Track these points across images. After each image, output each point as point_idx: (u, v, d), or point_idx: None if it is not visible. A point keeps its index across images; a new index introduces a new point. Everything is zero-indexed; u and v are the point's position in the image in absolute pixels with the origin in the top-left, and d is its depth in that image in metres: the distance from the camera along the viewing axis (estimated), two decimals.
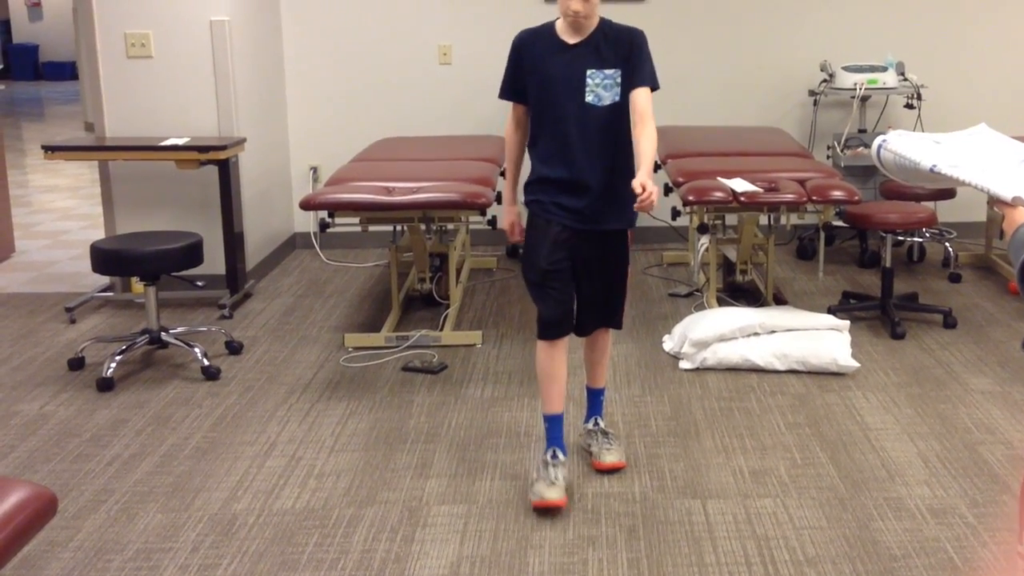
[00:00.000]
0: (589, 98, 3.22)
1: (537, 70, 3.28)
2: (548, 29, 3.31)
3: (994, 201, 1.78)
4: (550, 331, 3.30)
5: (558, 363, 3.32)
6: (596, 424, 3.58)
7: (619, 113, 3.25)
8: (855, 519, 3.15)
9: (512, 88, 3.36)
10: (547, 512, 3.19)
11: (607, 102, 3.22)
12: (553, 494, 3.18)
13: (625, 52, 3.23)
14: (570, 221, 3.27)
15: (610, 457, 3.47)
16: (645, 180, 3.02)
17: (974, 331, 4.82)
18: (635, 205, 3.01)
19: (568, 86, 3.22)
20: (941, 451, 3.60)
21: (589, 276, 3.35)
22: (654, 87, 3.26)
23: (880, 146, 1.94)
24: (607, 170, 3.26)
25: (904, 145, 1.89)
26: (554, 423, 3.35)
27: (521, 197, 3.39)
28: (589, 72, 3.22)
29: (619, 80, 3.22)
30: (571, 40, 3.25)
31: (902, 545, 3.01)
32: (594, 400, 3.61)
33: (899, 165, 1.90)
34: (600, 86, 3.22)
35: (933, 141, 1.92)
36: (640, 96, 3.23)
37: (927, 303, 5.13)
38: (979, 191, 1.78)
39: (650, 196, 2.97)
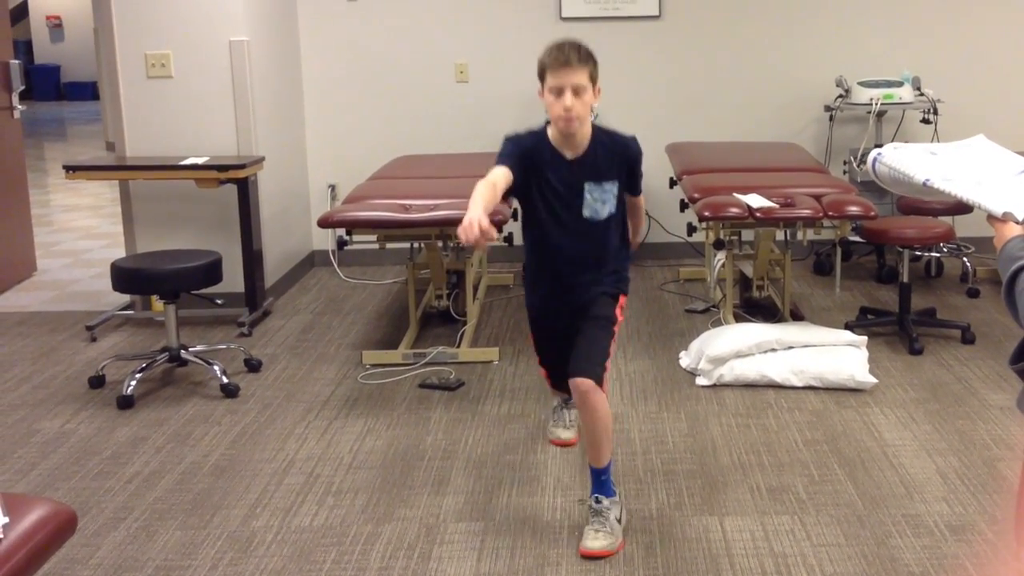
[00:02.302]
0: (586, 213, 3.14)
1: (535, 177, 3.14)
2: (541, 137, 3.15)
3: (987, 217, 1.78)
4: (551, 376, 3.62)
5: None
6: (596, 501, 3.13)
7: (615, 222, 3.21)
8: (873, 536, 3.14)
9: (509, 160, 3.07)
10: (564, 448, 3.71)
11: (604, 216, 3.16)
12: (567, 434, 3.75)
13: (623, 164, 3.19)
14: (570, 301, 3.26)
15: (594, 544, 3.06)
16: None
17: (992, 346, 4.80)
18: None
19: (565, 202, 3.14)
20: (960, 467, 3.59)
21: (576, 333, 3.26)
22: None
23: (875, 160, 1.95)
24: (604, 263, 3.24)
25: (898, 158, 1.89)
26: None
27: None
28: (587, 185, 3.13)
29: (616, 193, 3.17)
30: (569, 154, 3.13)
31: (920, 562, 2.99)
32: (594, 479, 3.16)
33: (894, 179, 1.90)
34: (598, 200, 3.15)
35: (929, 152, 1.92)
36: (635, 204, 3.34)
37: (945, 318, 5.11)
38: (972, 206, 1.78)
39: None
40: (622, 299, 3.29)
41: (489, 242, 2.82)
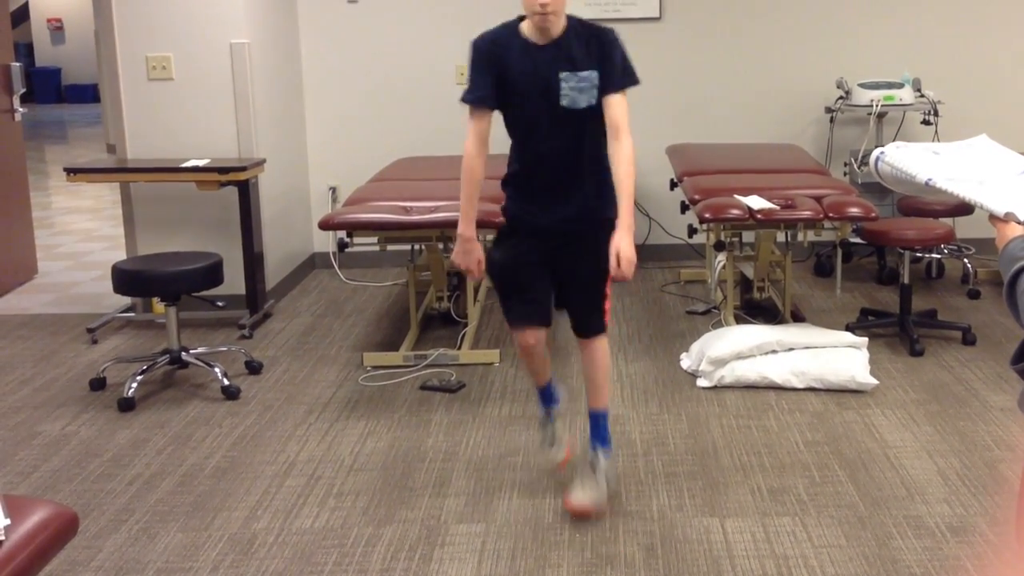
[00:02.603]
0: (564, 102, 3.07)
1: (506, 74, 3.10)
2: (512, 30, 3.13)
3: (988, 217, 1.77)
4: (515, 316, 3.24)
5: (536, 359, 3.32)
6: (593, 452, 3.36)
7: (597, 115, 3.11)
8: (874, 537, 3.14)
9: (480, 93, 3.13)
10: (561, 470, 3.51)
11: (583, 105, 3.07)
12: (557, 454, 3.49)
13: (598, 52, 3.08)
14: (547, 216, 3.18)
15: (579, 498, 3.24)
16: (621, 245, 2.99)
17: (993, 348, 4.80)
18: (612, 275, 3.02)
19: (540, 90, 3.08)
20: (961, 469, 3.59)
21: (564, 272, 3.24)
22: (633, 83, 3.13)
23: (878, 159, 1.94)
24: (585, 174, 3.16)
25: (901, 158, 1.89)
26: (543, 391, 3.48)
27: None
28: (562, 75, 3.06)
29: (595, 82, 3.07)
30: (540, 41, 3.09)
31: (922, 564, 2.99)
32: (593, 425, 3.38)
33: (896, 178, 1.90)
34: (575, 89, 3.06)
35: (932, 152, 1.92)
36: (615, 105, 3.09)
37: (946, 320, 5.11)
38: (974, 206, 1.78)
39: (626, 269, 2.97)
40: (612, 221, 3.18)
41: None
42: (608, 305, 3.29)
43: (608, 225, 3.12)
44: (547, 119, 3.11)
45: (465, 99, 3.17)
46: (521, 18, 3.14)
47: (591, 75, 3.07)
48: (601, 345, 3.31)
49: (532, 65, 3.09)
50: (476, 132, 3.17)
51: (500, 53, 3.11)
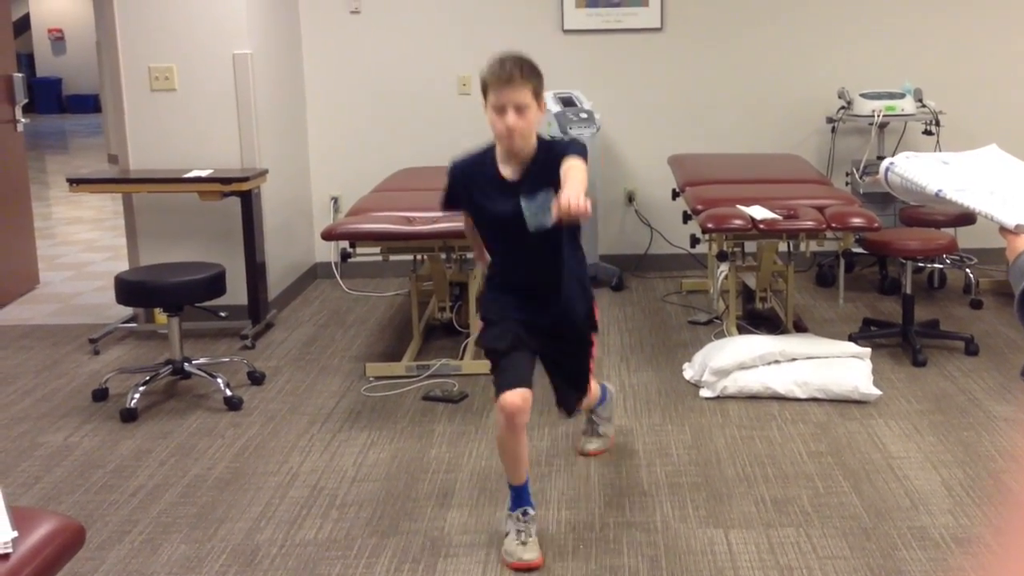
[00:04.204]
0: (532, 228, 3.02)
1: (476, 204, 3.14)
2: (487, 159, 3.10)
3: (999, 229, 1.77)
4: (507, 382, 3.06)
5: (515, 439, 3.08)
6: (591, 412, 3.78)
7: (567, 226, 3.06)
8: (879, 548, 3.14)
9: (453, 202, 3.24)
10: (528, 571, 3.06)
11: (550, 223, 2.95)
12: (531, 555, 3.05)
13: (552, 164, 2.95)
14: (529, 318, 3.16)
15: (589, 447, 3.80)
16: (566, 191, 2.79)
17: (996, 358, 4.80)
18: (559, 211, 2.75)
19: (508, 221, 3.06)
20: (965, 479, 3.58)
21: (550, 362, 3.29)
22: (583, 153, 2.99)
23: (887, 169, 1.95)
24: (563, 281, 3.14)
25: (911, 168, 1.89)
26: (518, 491, 3.15)
27: None
28: (523, 203, 3.01)
29: (551, 196, 2.88)
30: (511, 175, 3.05)
31: (926, 575, 2.99)
32: (590, 412, 3.81)
33: (906, 188, 1.90)
34: (535, 214, 3.00)
35: (941, 161, 1.92)
36: (568, 164, 2.93)
37: (948, 330, 5.11)
38: (984, 217, 1.78)
39: (571, 201, 2.70)
40: (595, 321, 3.30)
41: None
42: (592, 372, 3.41)
43: (586, 324, 3.27)
44: (520, 243, 3.08)
45: (440, 204, 3.28)
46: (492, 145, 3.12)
47: (547, 193, 2.94)
48: (590, 398, 3.56)
49: (498, 200, 3.07)
50: (466, 220, 3.34)
51: (470, 185, 3.14)
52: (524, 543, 3.07)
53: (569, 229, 3.11)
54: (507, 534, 3.13)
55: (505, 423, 3.05)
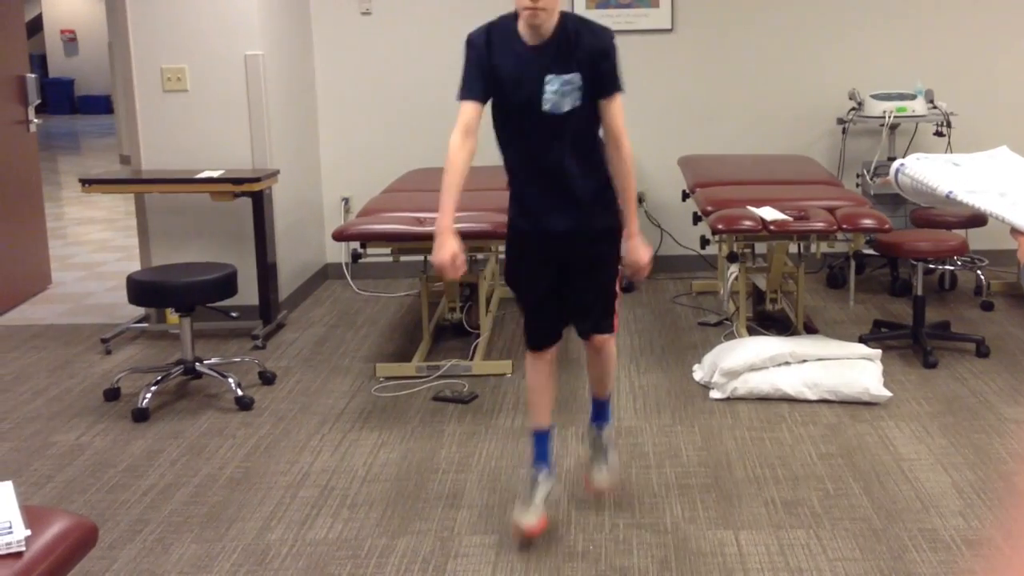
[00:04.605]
0: (545, 107, 2.98)
1: (495, 72, 3.01)
2: (509, 25, 3.03)
3: (1010, 230, 1.77)
4: (533, 342, 3.26)
5: (543, 375, 3.25)
6: (598, 430, 3.43)
7: (581, 118, 3.01)
8: (889, 551, 3.13)
9: (472, 86, 3.03)
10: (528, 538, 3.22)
11: (565, 109, 2.97)
12: (528, 518, 3.17)
13: (589, 53, 2.97)
14: (550, 227, 3.12)
15: (598, 479, 3.41)
16: (639, 254, 3.12)
17: (1007, 360, 4.78)
18: (629, 276, 3.07)
19: (525, 94, 2.99)
20: (975, 481, 3.58)
21: (573, 279, 3.19)
22: (621, 89, 3.04)
23: (898, 170, 1.95)
24: (580, 176, 3.07)
25: (921, 169, 1.89)
26: (539, 439, 3.28)
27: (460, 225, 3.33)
28: (547, 78, 2.96)
29: (580, 84, 2.96)
30: (531, 41, 2.99)
31: None
32: (598, 408, 3.45)
33: (916, 190, 1.90)
34: (557, 93, 2.96)
35: (952, 163, 1.92)
36: (612, 113, 3.02)
37: (959, 332, 5.10)
38: (995, 219, 1.78)
39: (642, 268, 3.05)
40: (620, 225, 3.17)
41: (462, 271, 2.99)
42: (619, 305, 3.29)
43: (610, 235, 3.15)
44: (531, 124, 3.02)
45: (458, 96, 3.06)
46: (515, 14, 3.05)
47: (574, 77, 2.96)
48: (610, 346, 3.33)
49: (520, 68, 2.99)
50: (462, 124, 3.02)
51: (492, 51, 3.02)
52: (526, 506, 3.21)
53: (581, 124, 3.02)
54: (518, 497, 3.35)
55: (532, 360, 3.28)
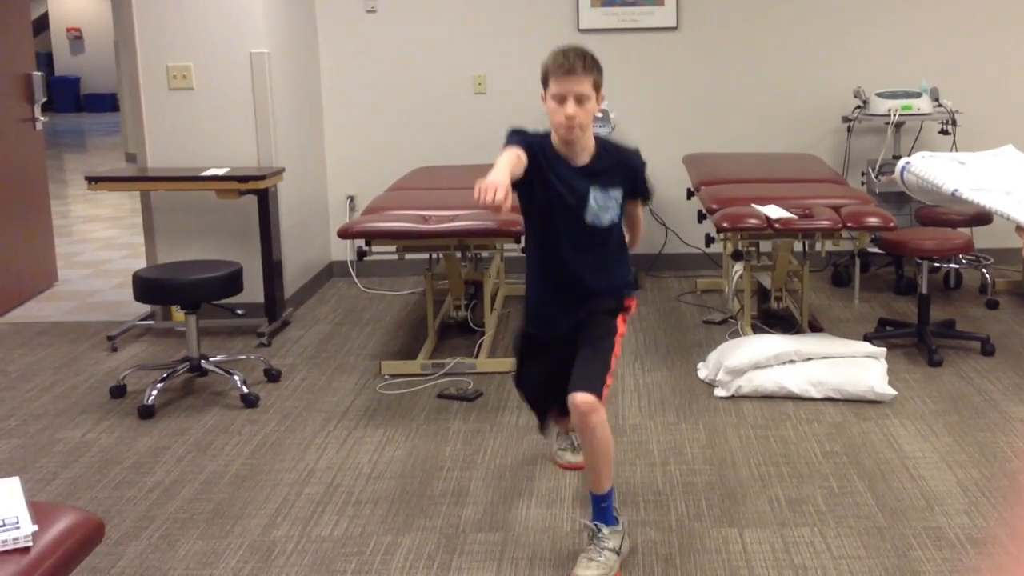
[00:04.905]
0: (589, 219, 3.07)
1: (546, 180, 3.06)
2: (547, 143, 3.08)
3: (1015, 228, 1.78)
4: (539, 423, 3.57)
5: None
6: (596, 529, 3.04)
7: (615, 229, 3.16)
8: (894, 549, 3.13)
9: (523, 146, 2.97)
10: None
11: (606, 223, 3.10)
12: (576, 457, 3.64)
13: (627, 174, 3.14)
14: (559, 329, 3.18)
15: (584, 573, 2.96)
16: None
17: (1012, 358, 4.78)
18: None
19: (569, 203, 3.06)
20: (980, 480, 3.58)
21: (574, 349, 3.18)
22: (651, 196, 3.30)
23: (903, 168, 1.95)
24: (601, 285, 3.16)
25: (927, 168, 1.89)
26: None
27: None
28: (592, 191, 3.07)
29: (620, 201, 3.12)
30: (573, 160, 3.07)
31: (941, 575, 2.99)
32: (594, 506, 3.07)
33: (922, 188, 1.91)
34: (602, 208, 3.08)
35: (958, 162, 1.92)
36: (638, 210, 3.31)
37: (964, 330, 5.09)
38: (1001, 217, 1.78)
39: None
40: (627, 307, 3.20)
41: (501, 211, 2.72)
42: (609, 381, 3.05)
43: (612, 314, 3.17)
44: (570, 232, 3.10)
45: (507, 144, 2.99)
46: (548, 132, 3.09)
47: (618, 194, 3.12)
48: (599, 419, 2.96)
49: (567, 182, 3.06)
50: (515, 151, 2.94)
51: (538, 158, 3.02)
52: (576, 450, 3.65)
53: (615, 236, 3.17)
54: (558, 445, 3.76)
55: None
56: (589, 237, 3.12)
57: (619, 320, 3.18)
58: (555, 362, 3.17)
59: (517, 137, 3.04)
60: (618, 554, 3.01)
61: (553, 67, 2.99)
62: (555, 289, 3.20)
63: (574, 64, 2.96)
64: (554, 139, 3.08)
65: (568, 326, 3.17)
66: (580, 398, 2.93)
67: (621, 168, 3.14)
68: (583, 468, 3.38)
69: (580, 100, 2.96)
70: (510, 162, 2.87)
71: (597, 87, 3.02)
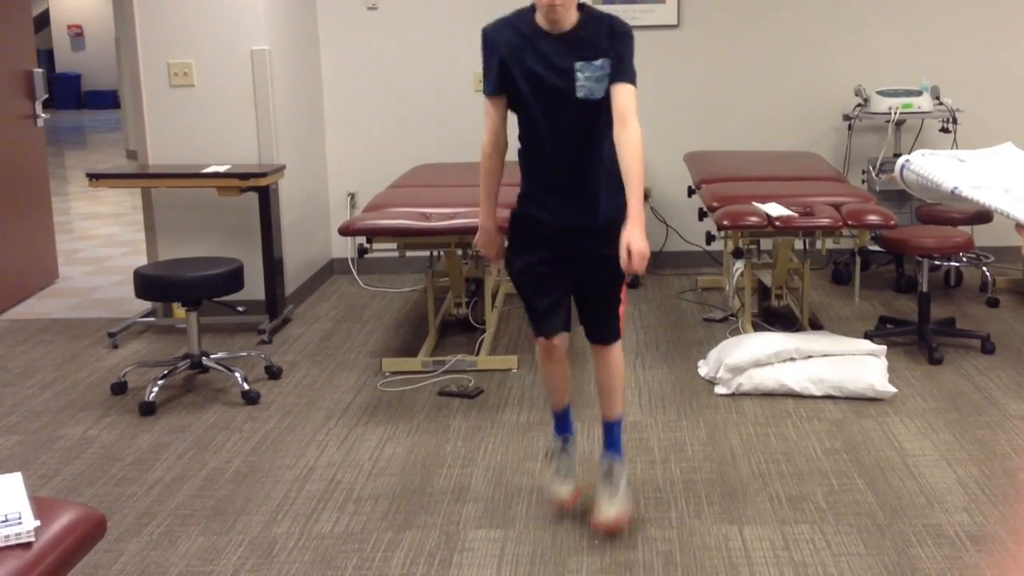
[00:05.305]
0: (580, 93, 2.99)
1: (516, 65, 3.01)
2: (525, 19, 3.04)
3: (1014, 225, 1.78)
4: (539, 326, 3.19)
5: (557, 368, 3.23)
6: (608, 460, 3.29)
7: (607, 107, 3.01)
8: (894, 546, 3.14)
9: (496, 81, 3.07)
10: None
11: (599, 96, 2.98)
12: (565, 489, 3.33)
13: (610, 42, 2.99)
14: (558, 219, 3.11)
15: (608, 512, 3.17)
16: (632, 238, 2.86)
17: (1012, 356, 4.78)
18: (623, 268, 2.88)
19: (555, 82, 2.99)
20: (980, 477, 3.58)
21: (579, 277, 3.20)
22: (634, 79, 3.03)
23: (903, 166, 1.95)
24: (597, 172, 3.07)
25: (927, 166, 1.90)
26: (560, 417, 3.40)
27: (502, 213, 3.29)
28: (578, 65, 2.97)
29: (607, 71, 2.98)
30: (553, 31, 3.00)
31: (941, 572, 2.99)
32: (607, 435, 3.33)
33: (922, 186, 1.91)
34: (591, 79, 2.98)
35: (957, 159, 1.92)
36: (623, 93, 2.98)
37: (965, 328, 5.10)
38: (1000, 214, 1.78)
39: (637, 264, 2.84)
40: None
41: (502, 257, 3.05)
42: (623, 310, 3.25)
43: (615, 230, 3.07)
44: (562, 112, 3.02)
45: (486, 92, 3.12)
46: (535, 7, 3.05)
47: (605, 63, 2.98)
48: (615, 352, 3.26)
49: (546, 56, 2.99)
50: (490, 126, 3.13)
51: (510, 42, 3.03)
52: (561, 474, 3.33)
53: (607, 113, 3.01)
54: (549, 462, 3.39)
55: (544, 356, 3.24)
56: (582, 114, 3.00)
57: (622, 251, 3.02)
58: (554, 258, 3.12)
59: (487, 57, 3.06)
60: (628, 483, 3.35)
61: None
62: (550, 175, 3.11)
63: None
64: (537, 15, 3.02)
65: (573, 219, 3.08)
66: (605, 345, 3.25)
67: (604, 35, 2.99)
68: (573, 503, 3.28)
69: None
70: (491, 195, 3.20)
71: None
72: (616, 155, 3.00)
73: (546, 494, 3.41)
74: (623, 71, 3.00)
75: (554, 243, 3.16)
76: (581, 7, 3.04)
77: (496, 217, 3.26)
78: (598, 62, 2.99)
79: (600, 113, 3.03)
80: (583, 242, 3.15)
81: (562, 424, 3.43)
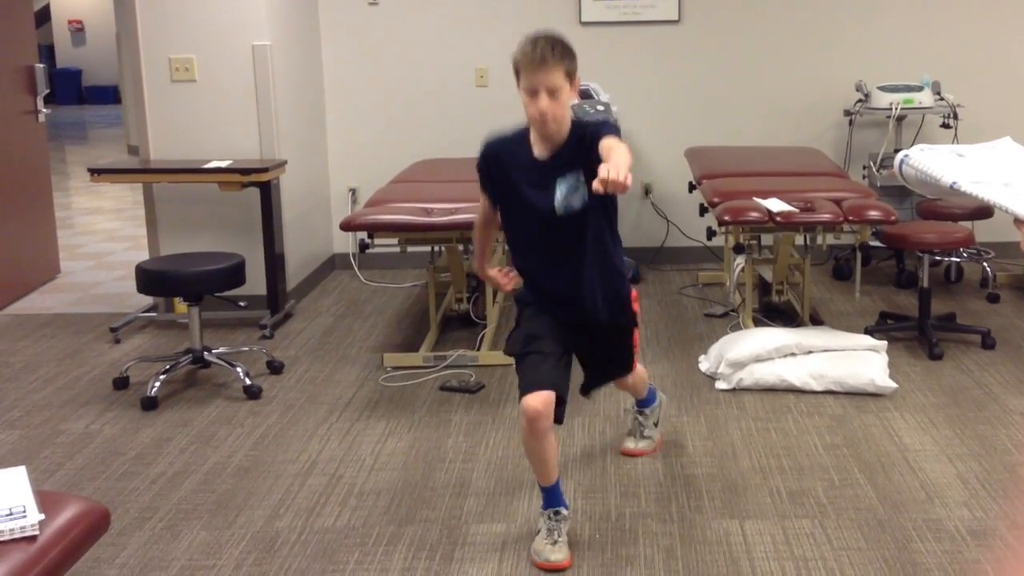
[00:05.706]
0: (560, 211, 2.94)
1: (507, 184, 3.04)
2: (520, 138, 3.02)
3: (1014, 220, 1.78)
4: (525, 384, 2.98)
5: (542, 437, 2.98)
6: (638, 409, 3.77)
7: (597, 216, 2.99)
8: (894, 541, 3.15)
9: (486, 187, 3.13)
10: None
11: (577, 205, 2.94)
12: (557, 555, 3.02)
13: (577, 151, 2.90)
14: (561, 316, 3.10)
15: (628, 445, 3.78)
16: (611, 157, 2.65)
17: (1013, 352, 4.79)
18: (597, 183, 2.55)
19: (540, 203, 2.97)
20: (980, 472, 3.59)
21: (588, 362, 3.28)
22: (617, 133, 2.91)
23: (902, 161, 1.95)
24: (593, 275, 3.05)
25: (925, 160, 1.90)
26: (550, 491, 3.10)
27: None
28: (558, 182, 2.94)
29: (581, 179, 2.90)
30: (543, 154, 2.97)
31: (941, 567, 3.00)
32: (638, 403, 3.76)
33: (921, 181, 1.91)
34: (567, 195, 2.93)
35: (956, 154, 1.92)
36: (607, 139, 2.81)
37: (965, 323, 5.10)
38: (999, 209, 1.78)
39: (611, 176, 2.47)
40: (634, 312, 3.21)
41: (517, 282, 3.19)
42: (637, 352, 3.39)
43: (623, 331, 3.24)
44: (548, 227, 3.00)
45: (480, 187, 3.18)
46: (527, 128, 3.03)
47: (578, 174, 2.91)
48: (634, 374, 3.47)
49: (532, 180, 2.98)
50: (481, 212, 3.24)
51: (504, 162, 3.05)
52: (554, 543, 3.03)
53: (598, 217, 3.00)
54: (538, 532, 3.11)
55: (527, 427, 2.97)
56: (570, 229, 2.97)
57: (633, 336, 3.26)
58: (557, 333, 3.07)
59: (480, 165, 3.12)
60: (656, 425, 3.80)
61: (522, 59, 2.85)
62: (539, 278, 3.12)
63: (543, 55, 2.81)
64: (532, 132, 2.99)
65: (571, 317, 3.10)
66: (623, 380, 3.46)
67: (583, 147, 2.88)
68: (566, 568, 3.03)
69: (552, 92, 2.83)
70: (481, 246, 3.32)
71: (570, 75, 2.87)
72: (615, 253, 3.11)
73: (537, 557, 3.04)
74: (604, 132, 2.87)
75: (563, 329, 3.12)
76: (573, 122, 2.97)
77: (487, 268, 3.35)
78: (571, 176, 2.93)
79: (586, 223, 2.99)
80: (591, 338, 3.20)
81: (553, 498, 3.10)
